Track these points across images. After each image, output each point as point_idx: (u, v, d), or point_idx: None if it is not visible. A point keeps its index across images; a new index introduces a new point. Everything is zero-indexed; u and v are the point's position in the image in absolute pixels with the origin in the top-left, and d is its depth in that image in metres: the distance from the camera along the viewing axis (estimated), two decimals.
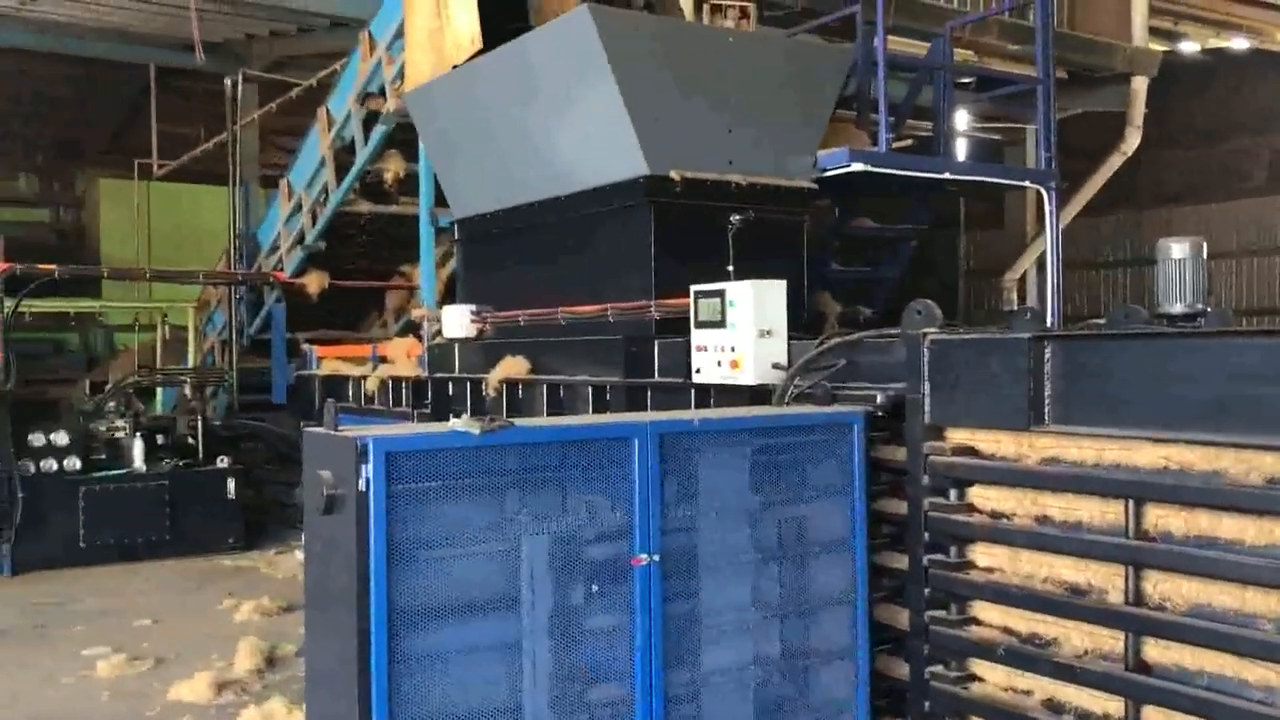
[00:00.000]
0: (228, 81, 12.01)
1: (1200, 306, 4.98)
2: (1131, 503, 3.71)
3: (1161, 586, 3.69)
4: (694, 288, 5.51)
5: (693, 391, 5.65)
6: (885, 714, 4.59)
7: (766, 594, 4.32)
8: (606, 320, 6.55)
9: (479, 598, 3.73)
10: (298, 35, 13.36)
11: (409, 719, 3.53)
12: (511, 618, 3.76)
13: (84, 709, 5.86)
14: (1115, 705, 3.81)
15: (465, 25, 7.11)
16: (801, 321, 6.43)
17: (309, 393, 10.21)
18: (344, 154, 10.11)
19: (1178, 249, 5.03)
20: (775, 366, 5.11)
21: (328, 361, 10.21)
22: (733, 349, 5.17)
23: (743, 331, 5.13)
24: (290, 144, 13.97)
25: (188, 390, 11.34)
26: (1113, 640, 3.81)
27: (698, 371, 5.42)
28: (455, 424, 3.66)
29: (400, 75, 8.55)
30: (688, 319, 5.69)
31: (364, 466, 3.43)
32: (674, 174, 6.21)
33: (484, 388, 7.41)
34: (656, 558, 3.94)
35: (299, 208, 10.88)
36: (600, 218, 6.65)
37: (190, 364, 13.49)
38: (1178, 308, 4.93)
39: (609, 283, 6.61)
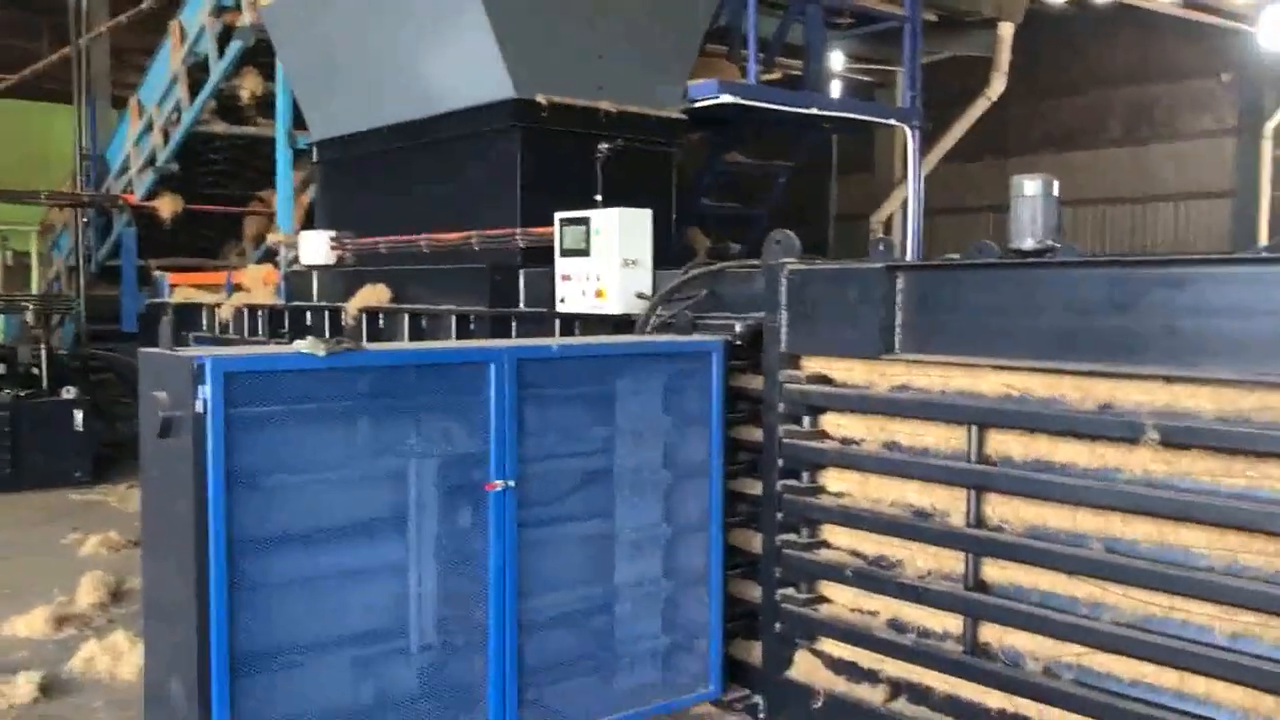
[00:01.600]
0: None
1: (1050, 242, 5.12)
2: (974, 428, 3.82)
3: (1001, 509, 3.82)
4: (558, 215, 5.44)
5: (557, 321, 5.61)
6: (738, 636, 4.69)
7: (624, 520, 4.33)
8: (471, 248, 6.43)
9: (330, 524, 3.64)
10: None
11: (250, 649, 3.45)
12: (364, 543, 3.69)
13: None
14: (955, 622, 3.95)
15: None
16: (671, 254, 6.42)
17: (159, 322, 9.81)
18: (198, 71, 9.62)
19: (1030, 186, 5.14)
20: (639, 296, 5.09)
21: (181, 289, 9.80)
22: (598, 278, 5.13)
23: (608, 260, 5.09)
24: (145, 62, 13.27)
25: (30, 318, 10.74)
26: (954, 561, 3.95)
27: (562, 301, 5.37)
28: (300, 345, 3.53)
29: None
30: (554, 248, 5.63)
31: (201, 388, 3.29)
32: (541, 98, 6.09)
33: (343, 316, 7.22)
34: (512, 483, 3.90)
35: (150, 127, 10.34)
36: (465, 142, 6.50)
37: (34, 290, 12.82)
38: (1029, 243, 5.05)
39: (474, 210, 6.48)
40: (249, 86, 9.26)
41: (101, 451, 10.56)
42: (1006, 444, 3.79)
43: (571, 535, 4.18)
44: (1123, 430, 3.41)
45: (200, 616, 3.34)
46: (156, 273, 10.07)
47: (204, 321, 9.18)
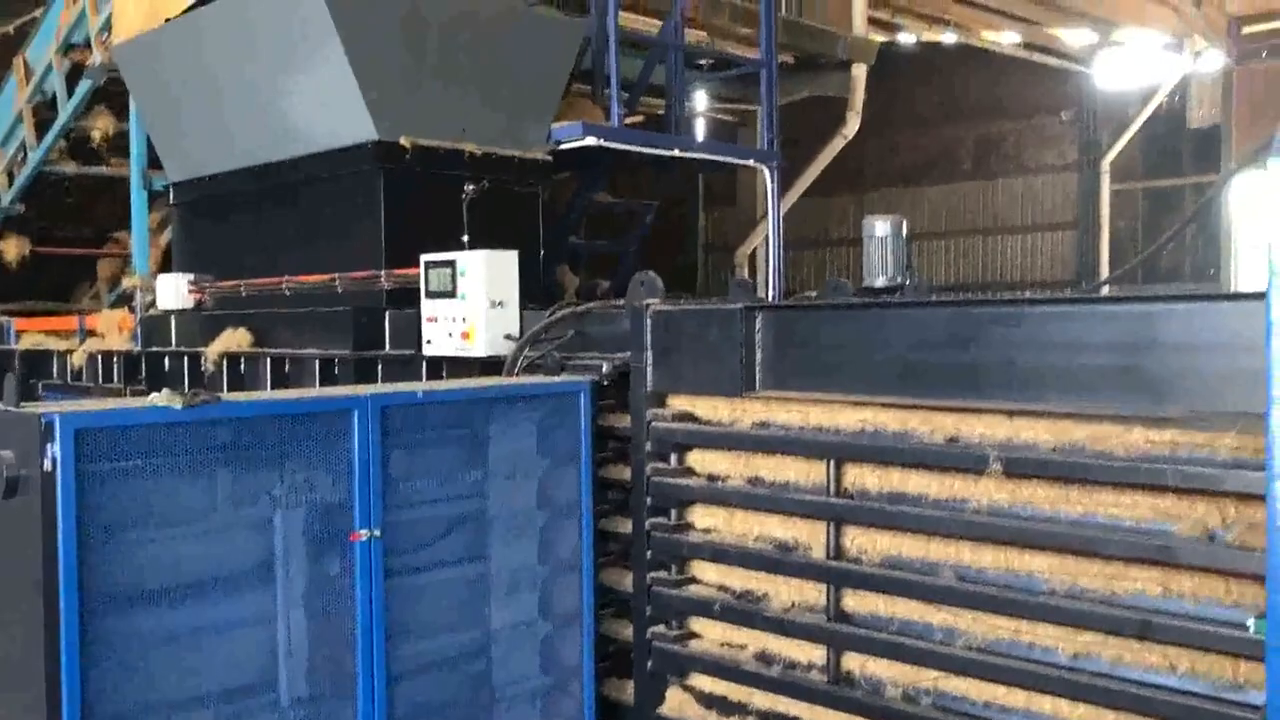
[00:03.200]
0: None
1: (900, 280, 5.36)
2: (832, 462, 3.96)
3: (859, 540, 3.97)
4: (424, 257, 5.43)
5: (424, 364, 5.58)
6: (612, 675, 4.72)
7: (499, 562, 4.34)
8: (335, 290, 6.35)
9: (192, 578, 3.55)
10: None
11: (107, 712, 3.34)
12: (229, 596, 3.61)
13: None
14: (819, 653, 4.07)
15: None
16: (540, 294, 6.46)
17: (6, 369, 9.36)
18: (45, 109, 9.28)
19: (880, 227, 5.39)
20: (507, 338, 5.12)
21: (29, 335, 9.39)
22: (464, 319, 5.14)
23: (474, 302, 5.11)
24: None
25: None
26: (817, 593, 4.07)
27: (429, 343, 5.36)
28: (155, 398, 3.45)
29: (108, 26, 7.92)
30: (419, 289, 5.61)
31: (50, 445, 3.18)
32: (404, 140, 6.08)
33: (203, 361, 7.03)
34: (378, 532, 3.86)
35: None
36: (327, 184, 6.43)
37: None
38: (880, 281, 5.29)
39: (337, 251, 6.41)
40: (101, 126, 8.97)
41: None
42: (863, 476, 3.94)
43: (445, 580, 4.16)
44: (969, 461, 3.59)
45: (50, 681, 3.21)
46: (1, 319, 9.61)
47: (54, 369, 8.80)
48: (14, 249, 10.27)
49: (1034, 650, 3.54)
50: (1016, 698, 3.59)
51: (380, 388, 4.35)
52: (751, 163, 8.33)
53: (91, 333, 8.55)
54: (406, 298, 5.94)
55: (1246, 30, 21.00)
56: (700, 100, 14.00)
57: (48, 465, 3.18)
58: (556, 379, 4.65)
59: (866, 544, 3.94)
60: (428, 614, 4.12)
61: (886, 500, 3.86)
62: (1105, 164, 20.95)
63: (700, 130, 14.80)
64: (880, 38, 15.97)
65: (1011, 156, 22.46)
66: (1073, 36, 19.94)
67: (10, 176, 9.72)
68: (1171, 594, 3.25)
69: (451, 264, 5.22)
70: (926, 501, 3.75)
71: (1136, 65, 20.46)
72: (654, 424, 4.51)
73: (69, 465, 3.20)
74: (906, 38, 18.65)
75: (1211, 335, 3.13)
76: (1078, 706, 3.45)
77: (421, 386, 4.42)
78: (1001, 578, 3.60)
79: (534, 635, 4.46)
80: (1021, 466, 3.49)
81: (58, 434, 3.18)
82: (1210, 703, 3.12)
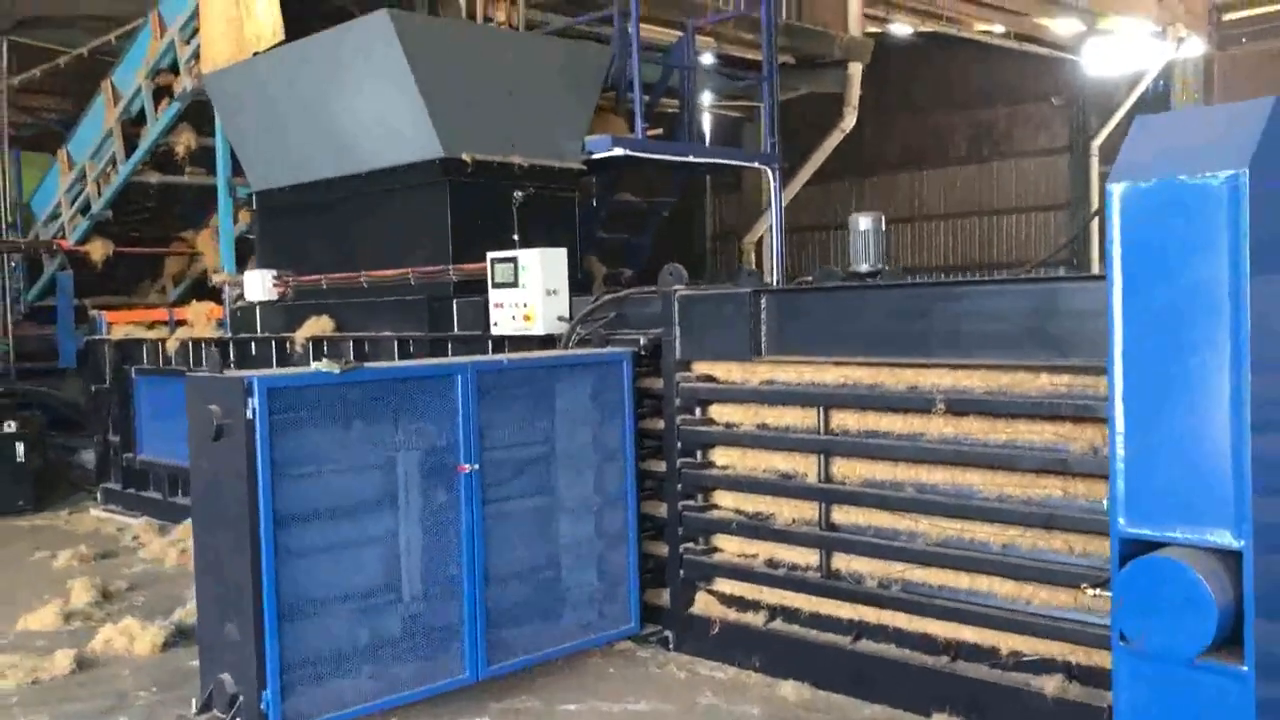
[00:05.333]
0: None
1: (880, 266, 6.56)
2: (822, 409, 5.15)
3: (842, 468, 5.16)
4: (490, 255, 6.61)
5: (489, 342, 6.76)
6: (650, 585, 5.92)
7: (564, 494, 5.53)
8: (408, 283, 7.54)
9: (339, 503, 4.75)
10: None
11: (288, 600, 4.54)
12: (371, 516, 4.81)
13: None
14: (814, 556, 5.27)
15: (268, 19, 7.85)
16: (576, 281, 7.64)
17: (99, 357, 10.57)
18: (130, 126, 10.47)
19: (864, 222, 6.59)
20: (560, 319, 6.30)
21: (118, 326, 10.60)
22: (525, 305, 6.32)
23: (533, 290, 6.29)
24: (31, 102, 13.84)
25: None
26: (811, 510, 5.27)
27: (495, 325, 6.54)
28: (317, 365, 4.66)
29: (195, 56, 9.10)
30: (481, 281, 6.80)
31: (250, 400, 4.39)
32: (466, 156, 7.25)
33: (288, 345, 8.22)
34: (477, 466, 5.07)
35: (81, 177, 11.12)
36: (399, 193, 7.62)
37: None
38: (863, 267, 6.49)
39: (409, 249, 7.59)
40: (184, 141, 10.15)
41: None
42: (845, 420, 5.13)
43: (523, 507, 5.36)
44: (923, 404, 4.78)
45: (254, 575, 4.43)
46: (94, 312, 10.83)
47: (145, 356, 10.00)
48: (99, 250, 11.48)
49: (974, 544, 4.72)
50: (962, 580, 4.77)
51: (474, 358, 5.53)
52: (756, 165, 9.49)
53: (181, 322, 9.76)
54: (469, 288, 7.14)
55: (1226, 18, 22.03)
56: (705, 97, 15.13)
57: (249, 414, 4.38)
58: (603, 350, 5.83)
59: (849, 470, 5.13)
60: (511, 533, 5.32)
61: (863, 436, 5.05)
62: (1094, 147, 21.94)
63: (707, 125, 15.93)
64: (875, 30, 17.07)
65: (1004, 141, 23.44)
66: (1061, 26, 20.96)
67: (98, 186, 10.92)
68: (1069, 495, 4.43)
69: (514, 260, 6.40)
70: (893, 436, 4.94)
71: (1122, 52, 21.46)
72: (681, 384, 5.70)
73: (264, 415, 4.40)
74: (901, 29, 19.70)
75: (1093, 306, 4.28)
76: (1006, 583, 4.63)
77: (505, 356, 5.61)
78: (949, 490, 4.78)
79: (591, 552, 5.66)
80: (961, 406, 4.67)
81: (256, 391, 4.39)
82: (1095, 571, 4.30)
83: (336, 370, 4.61)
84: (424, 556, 5.03)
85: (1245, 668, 3.23)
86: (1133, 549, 3.39)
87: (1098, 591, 3.72)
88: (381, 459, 4.89)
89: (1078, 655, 4.41)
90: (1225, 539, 3.23)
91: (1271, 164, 3.24)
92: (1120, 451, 3.41)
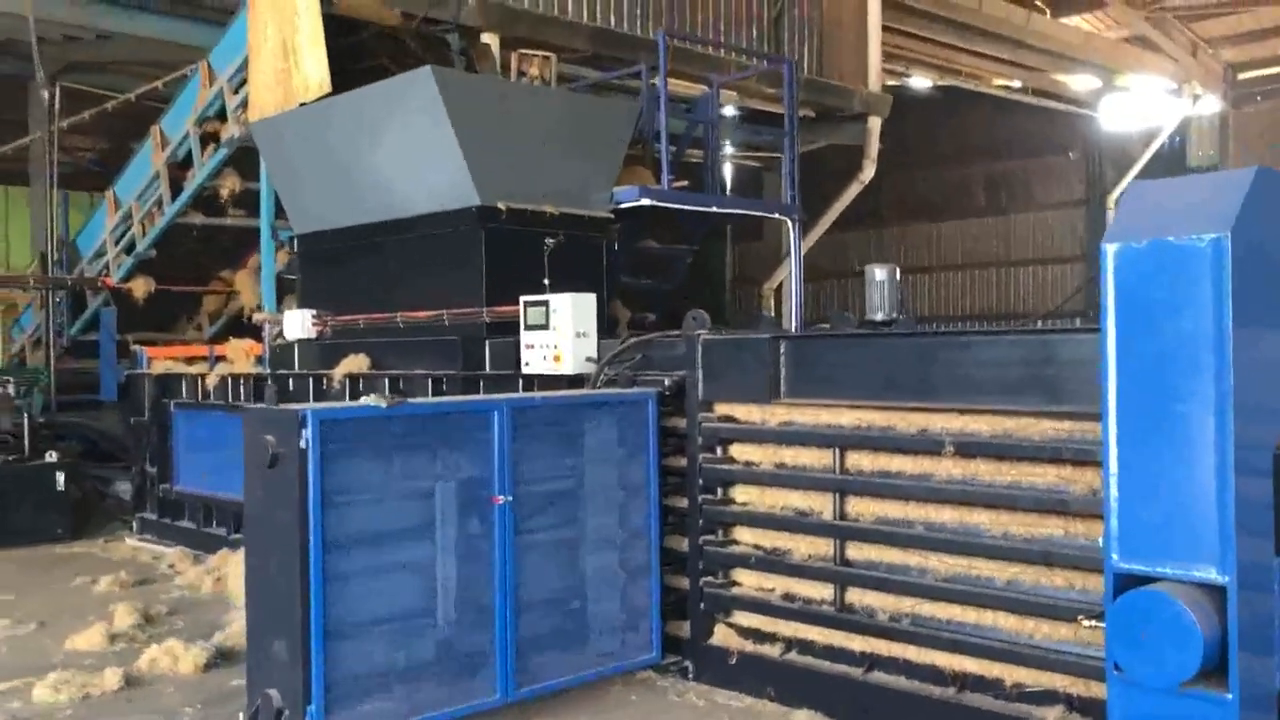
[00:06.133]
0: (44, 93, 12.39)
1: (895, 315, 6.87)
2: (837, 450, 5.44)
3: (856, 506, 5.43)
4: (523, 298, 6.95)
5: (520, 380, 7.08)
6: (671, 617, 6.18)
7: (590, 527, 5.82)
8: (443, 324, 7.89)
9: (381, 530, 5.05)
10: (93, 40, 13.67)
11: (333, 622, 4.83)
12: (410, 543, 5.11)
13: None
14: (828, 590, 5.53)
15: (315, 71, 8.28)
16: (602, 325, 7.97)
17: (139, 391, 10.95)
18: (176, 169, 10.94)
19: (880, 273, 6.91)
20: (588, 359, 6.62)
21: (158, 361, 10.99)
22: (555, 346, 6.64)
23: (563, 332, 6.61)
24: (65, 142, 14.35)
25: (11, 390, 11.76)
26: (827, 546, 5.54)
27: (527, 364, 6.86)
28: (365, 400, 4.98)
29: (243, 105, 9.55)
30: (513, 322, 7.13)
31: (304, 431, 4.71)
32: (501, 204, 7.62)
33: (325, 382, 8.56)
34: (510, 498, 5.37)
35: (127, 217, 11.58)
36: (436, 239, 7.98)
37: None
38: (880, 315, 6.81)
39: (443, 292, 7.94)
40: (229, 185, 10.60)
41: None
42: (859, 460, 5.41)
43: (552, 539, 5.64)
44: (933, 446, 5.05)
45: (303, 597, 4.72)
46: (135, 347, 11.23)
47: (184, 390, 10.37)
48: (141, 288, 11.92)
49: (980, 579, 4.98)
50: (969, 614, 5.02)
51: (509, 395, 5.85)
52: (776, 215, 9.85)
53: (221, 359, 10.13)
54: (502, 329, 7.47)
55: (1241, 76, 22.41)
56: (728, 146, 15.54)
57: (302, 444, 4.70)
58: (630, 390, 6.14)
59: (862, 509, 5.41)
60: (541, 564, 5.60)
61: (876, 476, 5.33)
62: (1111, 200, 22.28)
63: (728, 173, 16.35)
64: (894, 82, 17.51)
65: (1022, 193, 23.82)
66: (1077, 82, 21.40)
67: (143, 227, 11.36)
68: (1070, 534, 4.69)
69: (546, 304, 6.73)
70: (904, 476, 5.22)
71: (1139, 108, 21.86)
72: (704, 424, 6.00)
73: (315, 445, 4.72)
74: (920, 83, 20.17)
75: (1090, 355, 4.56)
76: (1010, 617, 4.88)
77: (538, 394, 5.92)
78: (957, 528, 5.04)
79: (616, 583, 5.93)
80: (969, 449, 4.95)
81: (309, 423, 4.71)
82: (1094, 606, 4.55)
83: (384, 404, 4.93)
84: (459, 583, 5.31)
85: (1230, 695, 3.47)
86: (1125, 583, 3.65)
87: (1093, 623, 3.98)
88: (421, 489, 5.19)
89: (1078, 687, 4.65)
90: (1211, 574, 3.49)
91: (1252, 228, 3.54)
92: (1114, 492, 3.68)
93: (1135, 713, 3.65)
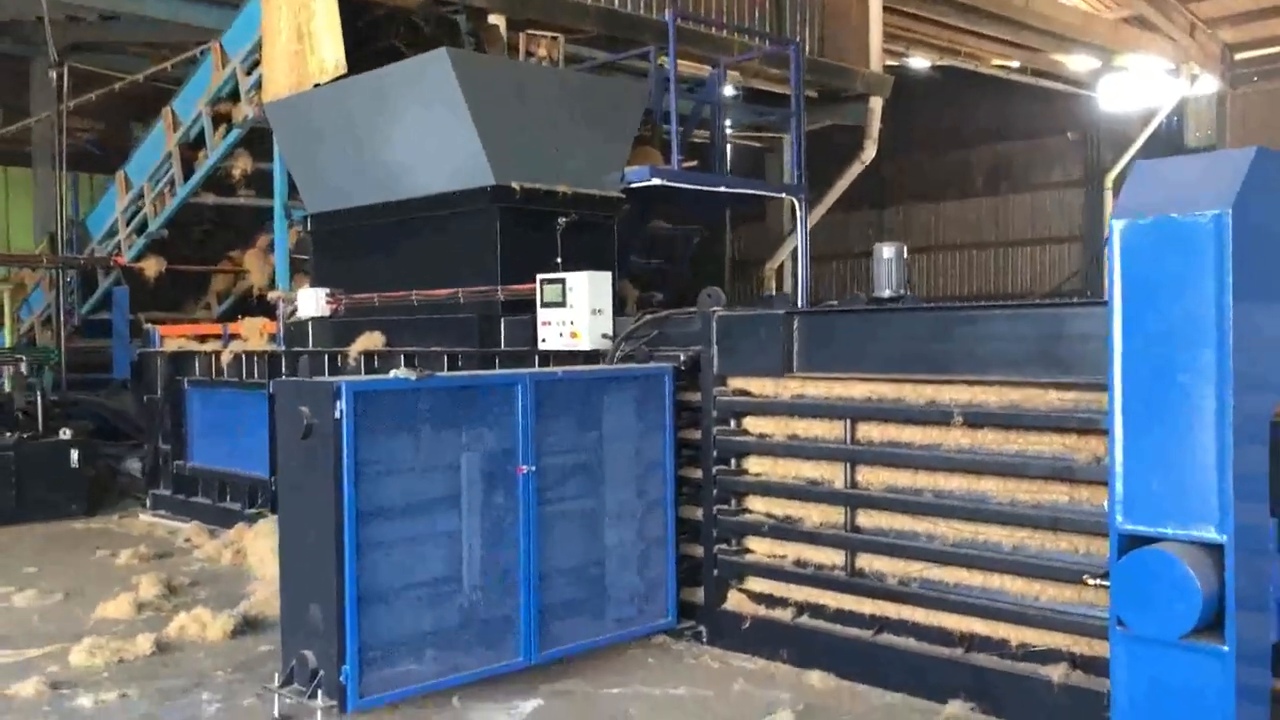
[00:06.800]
0: (53, 73, 12.49)
1: (902, 292, 7.04)
2: (848, 421, 5.63)
3: (867, 475, 5.63)
4: (540, 276, 7.11)
5: (535, 357, 7.25)
6: (686, 583, 6.38)
7: (609, 499, 6.00)
8: (458, 302, 8.05)
9: (411, 500, 5.23)
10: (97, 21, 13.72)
11: (366, 588, 5.01)
12: (437, 512, 5.29)
13: (22, 629, 6.88)
14: (839, 556, 5.73)
15: (331, 53, 8.41)
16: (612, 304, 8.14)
17: (152, 369, 11.11)
18: (188, 150, 11.07)
19: (887, 251, 7.07)
20: (604, 336, 6.80)
21: (171, 339, 11.14)
22: (572, 323, 6.81)
23: (580, 310, 6.79)
24: (70, 124, 14.45)
25: (24, 368, 11.91)
26: (838, 514, 5.73)
27: (543, 341, 7.04)
28: (395, 373, 5.16)
29: (257, 86, 9.68)
30: (527, 301, 7.30)
31: (338, 402, 4.89)
32: (515, 184, 7.78)
33: (340, 359, 8.72)
34: (534, 468, 5.55)
35: (139, 197, 11.71)
36: (451, 217, 8.14)
37: (7, 344, 13.89)
38: (886, 293, 6.98)
39: (458, 271, 8.10)
40: (241, 165, 10.74)
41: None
42: (870, 431, 5.60)
43: (573, 508, 5.83)
44: (942, 417, 5.24)
45: (338, 564, 4.90)
46: (148, 325, 11.38)
47: (196, 367, 10.52)
48: (153, 267, 12.06)
49: (987, 544, 5.17)
50: (976, 578, 5.22)
51: (532, 370, 6.02)
52: (783, 195, 10.01)
53: (235, 336, 10.29)
54: (516, 307, 7.64)
55: (1239, 57, 22.51)
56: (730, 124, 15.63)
57: (336, 415, 4.88)
58: (647, 365, 6.32)
59: (872, 478, 5.60)
60: (562, 533, 5.79)
61: (887, 446, 5.52)
62: (1109, 181, 22.43)
63: (730, 155, 16.49)
64: (894, 63, 17.63)
65: (1020, 174, 23.95)
66: (1076, 63, 21.49)
67: (155, 207, 11.50)
68: (1075, 500, 4.88)
69: (562, 281, 6.90)
70: (914, 446, 5.41)
71: (1137, 89, 21.95)
72: (718, 398, 6.18)
73: (350, 416, 4.90)
74: (919, 63, 20.26)
75: (1096, 329, 4.75)
76: (1016, 580, 5.08)
77: (560, 369, 6.09)
78: (965, 495, 5.23)
79: (633, 552, 6.13)
80: (977, 419, 5.14)
81: (343, 394, 4.88)
82: (1097, 568, 4.74)
83: (414, 377, 5.10)
84: (484, 551, 5.49)
85: (1226, 648, 3.67)
86: (1129, 543, 3.84)
87: (1098, 581, 4.18)
88: (448, 460, 5.37)
89: (1081, 646, 4.85)
90: (1210, 534, 3.68)
91: (1252, 205, 3.71)
92: (1119, 457, 3.86)
93: (1137, 666, 3.84)
